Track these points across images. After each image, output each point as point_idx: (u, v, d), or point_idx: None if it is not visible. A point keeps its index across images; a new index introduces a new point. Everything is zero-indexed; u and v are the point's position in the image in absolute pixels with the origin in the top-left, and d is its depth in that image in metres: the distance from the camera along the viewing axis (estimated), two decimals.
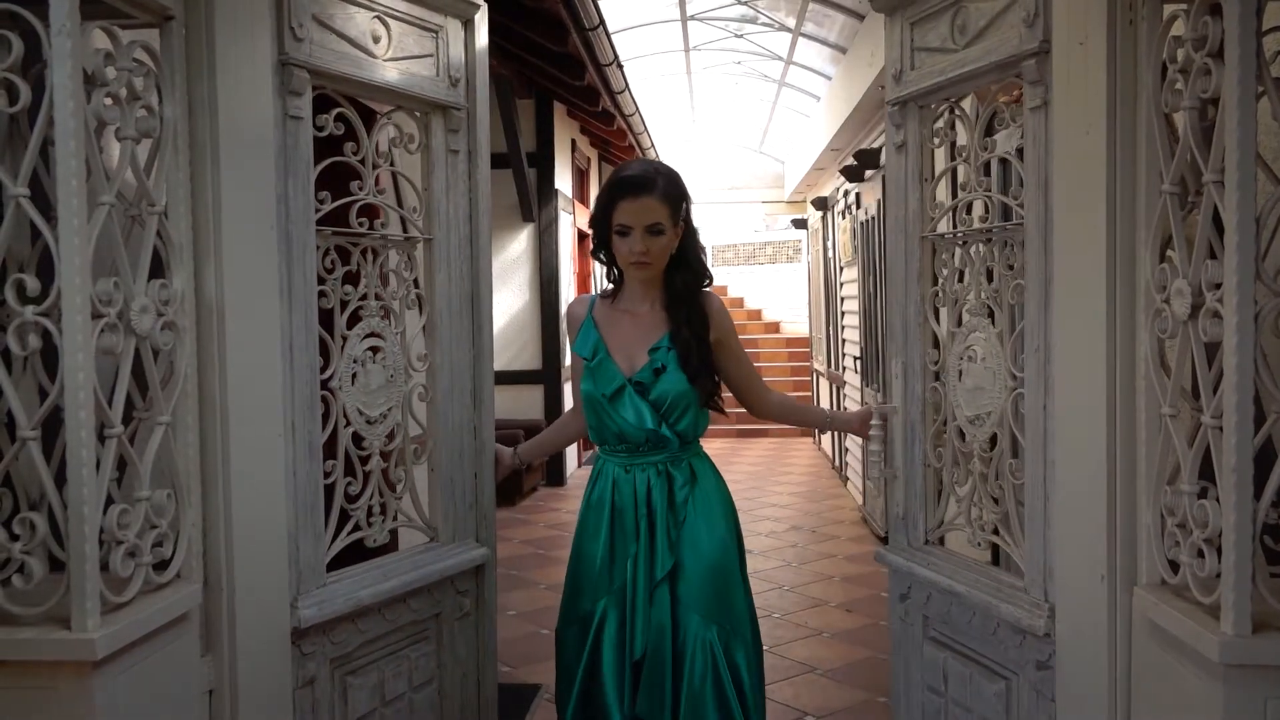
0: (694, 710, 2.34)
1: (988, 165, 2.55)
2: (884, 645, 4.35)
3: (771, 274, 16.82)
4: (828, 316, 9.86)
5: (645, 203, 2.38)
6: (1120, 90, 2.00)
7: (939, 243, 2.62)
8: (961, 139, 2.58)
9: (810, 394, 11.84)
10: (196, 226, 2.00)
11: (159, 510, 1.86)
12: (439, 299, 2.67)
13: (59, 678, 1.67)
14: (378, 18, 2.44)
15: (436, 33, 2.61)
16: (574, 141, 9.74)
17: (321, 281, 2.37)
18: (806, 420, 2.85)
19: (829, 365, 9.80)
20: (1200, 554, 1.78)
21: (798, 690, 3.88)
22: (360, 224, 2.48)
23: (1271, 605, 1.70)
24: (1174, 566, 1.90)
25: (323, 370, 2.35)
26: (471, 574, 2.74)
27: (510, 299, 8.54)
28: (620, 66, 7.36)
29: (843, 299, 8.71)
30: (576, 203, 9.59)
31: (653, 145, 10.74)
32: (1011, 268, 2.39)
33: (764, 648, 2.53)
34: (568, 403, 6.87)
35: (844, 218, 8.34)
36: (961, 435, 2.53)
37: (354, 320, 2.49)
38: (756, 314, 15.74)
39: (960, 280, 2.59)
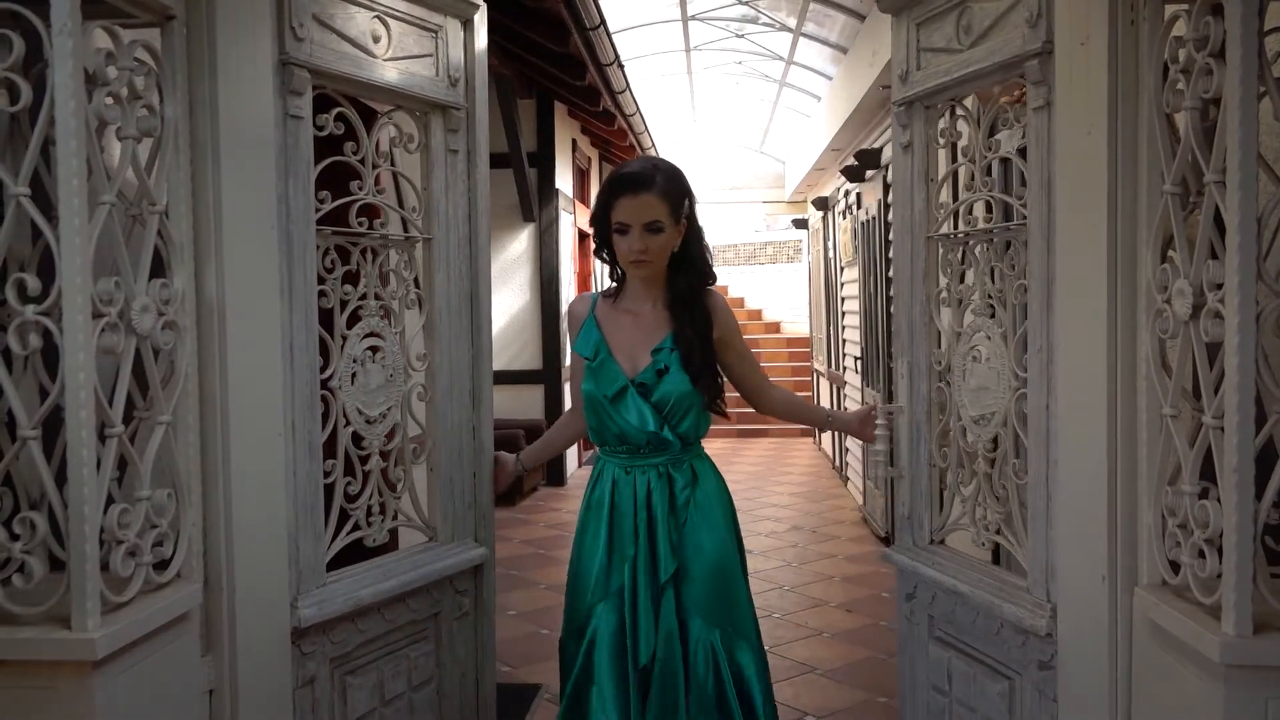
0: (698, 715, 2.33)
1: (989, 166, 2.55)
2: (884, 645, 4.36)
3: (772, 274, 16.83)
4: (828, 316, 9.86)
5: (643, 200, 2.35)
6: (1121, 90, 2.00)
7: (944, 243, 2.62)
8: (965, 140, 2.58)
9: (811, 394, 11.84)
10: (197, 226, 2.00)
11: (159, 510, 1.86)
12: (438, 299, 2.67)
13: (59, 677, 1.67)
14: (378, 17, 2.44)
15: (436, 33, 2.61)
16: (575, 141, 9.74)
17: (321, 281, 2.37)
18: (808, 418, 2.90)
19: (829, 365, 9.80)
20: (1201, 554, 1.77)
21: (798, 690, 3.88)
22: (360, 224, 2.48)
23: (1272, 606, 1.70)
24: (1175, 567, 1.90)
25: (322, 370, 2.35)
26: (470, 574, 2.74)
27: (511, 299, 8.54)
28: (621, 66, 7.35)
29: (843, 299, 8.71)
30: (577, 203, 9.59)
31: (653, 145, 10.74)
32: (1014, 268, 2.39)
33: (764, 648, 2.52)
34: (568, 403, 6.89)
35: (844, 218, 8.34)
36: (965, 435, 2.53)
37: (354, 320, 2.49)
38: (757, 314, 15.74)
39: (961, 280, 2.59)
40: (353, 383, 2.46)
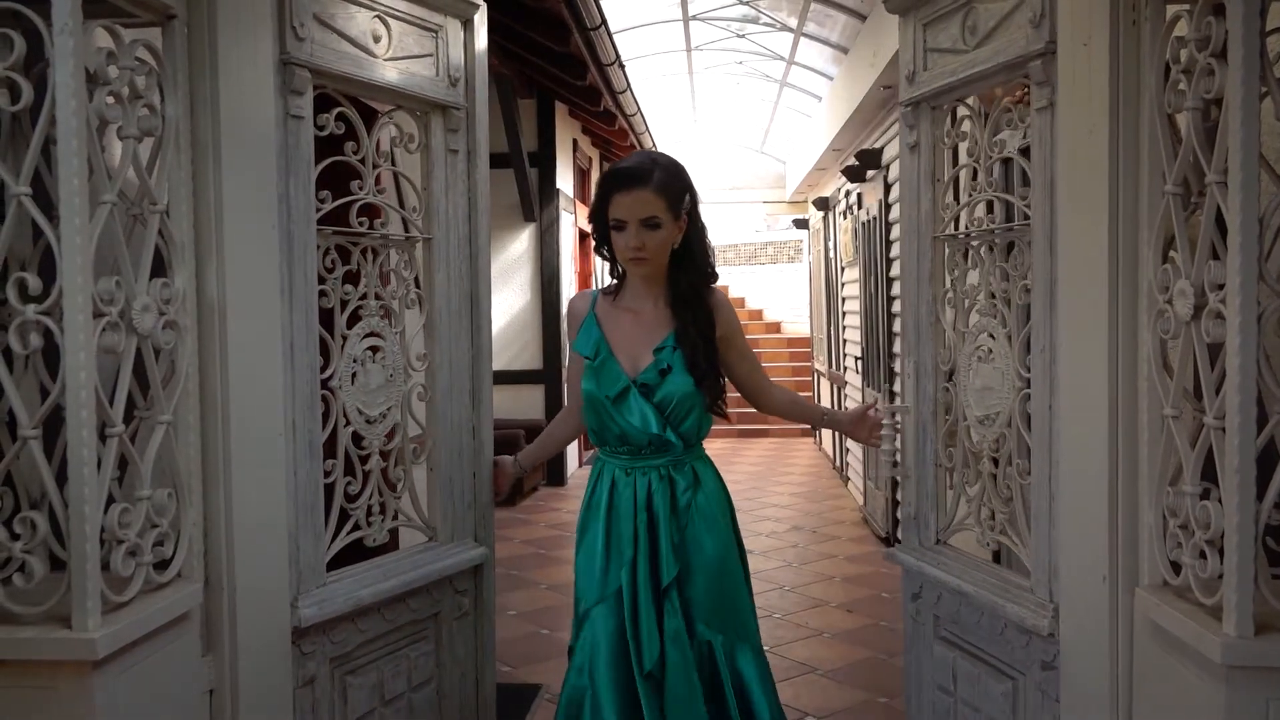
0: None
1: (992, 166, 2.55)
2: (885, 646, 4.36)
3: (773, 274, 16.83)
4: (829, 317, 9.86)
5: (639, 195, 2.30)
6: (1123, 91, 2.00)
7: (950, 243, 2.62)
8: (966, 142, 2.58)
9: (811, 394, 11.84)
10: (198, 225, 2.00)
11: (160, 509, 1.86)
12: (438, 298, 2.67)
13: (59, 677, 1.67)
14: (378, 17, 2.44)
15: (436, 32, 2.61)
16: (575, 141, 9.74)
17: (322, 281, 2.37)
18: (806, 416, 2.86)
19: (830, 365, 9.80)
20: (1202, 555, 1.77)
21: (798, 691, 3.88)
22: (360, 223, 2.48)
23: (1273, 606, 1.70)
24: (1176, 567, 1.89)
25: (323, 369, 2.35)
26: (470, 573, 2.74)
27: (511, 299, 8.54)
28: (622, 66, 7.35)
29: (844, 299, 8.71)
30: (578, 203, 9.59)
31: (654, 145, 10.72)
32: (1018, 268, 2.39)
33: (764, 648, 2.52)
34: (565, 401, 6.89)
35: (845, 218, 8.34)
36: (971, 435, 2.53)
37: (354, 320, 2.49)
38: (758, 314, 15.74)
39: (964, 280, 2.59)
40: (353, 382, 2.46)
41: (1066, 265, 2.16)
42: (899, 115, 2.71)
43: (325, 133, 2.35)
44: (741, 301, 15.82)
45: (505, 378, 7.58)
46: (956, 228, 2.62)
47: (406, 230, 2.67)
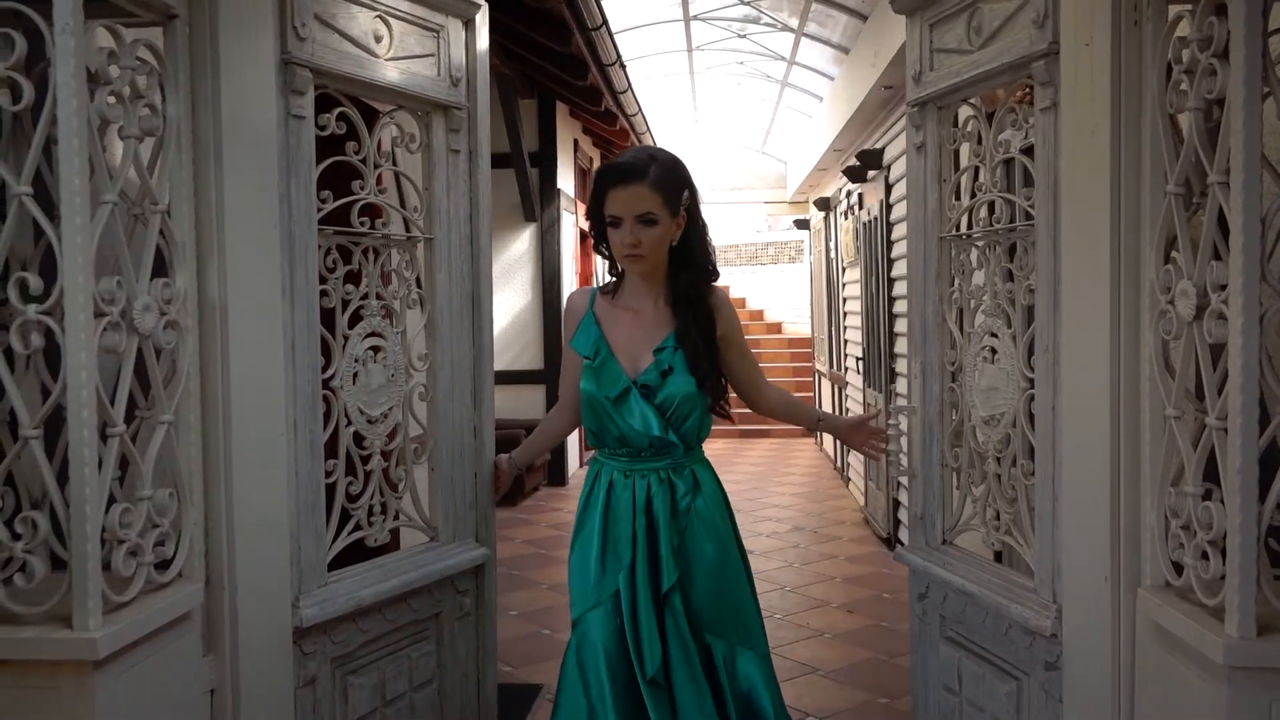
0: None
1: (995, 167, 2.55)
2: (886, 646, 4.36)
3: (774, 274, 16.84)
4: (830, 317, 9.85)
5: (635, 191, 2.26)
6: (1125, 91, 1.99)
7: (956, 243, 2.62)
8: (969, 142, 2.58)
9: (812, 394, 11.83)
10: (199, 225, 2.00)
11: (161, 509, 1.86)
12: (440, 298, 2.67)
13: (60, 677, 1.67)
14: (380, 17, 2.44)
15: (438, 32, 2.61)
16: (576, 141, 9.74)
17: (323, 281, 2.37)
18: (802, 419, 2.77)
19: (831, 366, 9.80)
20: (1204, 556, 1.77)
21: (800, 691, 3.88)
22: (362, 223, 2.48)
23: (1276, 607, 1.70)
24: (1178, 568, 1.89)
25: (324, 369, 2.35)
26: (472, 574, 2.74)
27: (512, 299, 8.54)
28: (623, 66, 7.35)
29: (845, 299, 8.71)
30: (579, 203, 9.59)
31: (656, 145, 10.73)
32: (1023, 268, 2.39)
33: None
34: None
35: (846, 218, 8.34)
36: (976, 435, 2.53)
37: (355, 320, 2.48)
38: (759, 314, 15.74)
39: (969, 280, 2.59)
40: (354, 382, 2.46)
41: (1069, 265, 2.16)
42: (906, 115, 2.71)
43: (326, 133, 2.35)
44: (743, 302, 15.83)
45: (506, 378, 7.57)
46: (960, 228, 2.62)
47: (408, 230, 2.67)
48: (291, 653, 2.23)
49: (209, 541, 2.03)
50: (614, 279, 2.49)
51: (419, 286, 2.67)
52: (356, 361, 2.47)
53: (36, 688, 1.67)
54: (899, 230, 5.94)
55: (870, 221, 6.95)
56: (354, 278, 2.48)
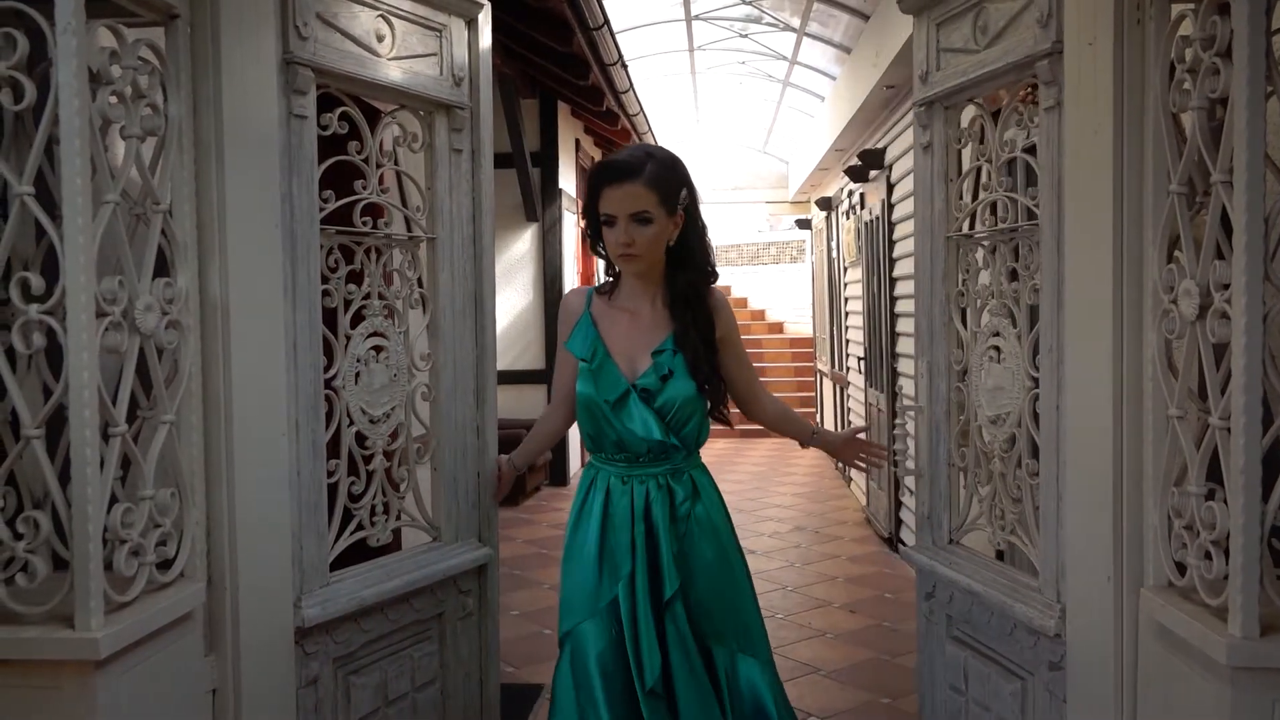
0: None
1: (996, 167, 2.55)
2: (888, 646, 4.36)
3: (775, 274, 16.82)
4: (831, 317, 9.85)
5: (629, 189, 2.20)
6: (1128, 90, 1.99)
7: (963, 242, 2.62)
8: (972, 143, 2.57)
9: (814, 394, 11.83)
10: (201, 225, 2.00)
11: (163, 509, 1.86)
12: (442, 298, 2.67)
13: (62, 677, 1.67)
14: (382, 16, 2.44)
15: (440, 32, 2.61)
16: (578, 141, 9.73)
17: (325, 280, 2.37)
18: (796, 431, 2.66)
19: (833, 366, 9.79)
20: (1207, 556, 1.77)
21: (801, 691, 3.87)
22: (364, 223, 2.48)
23: (1279, 607, 1.69)
24: (1181, 568, 1.89)
25: (326, 369, 2.35)
26: (474, 574, 2.74)
27: (514, 299, 8.54)
28: (625, 66, 7.34)
29: (847, 299, 8.70)
30: (580, 202, 9.59)
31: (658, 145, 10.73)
32: (1029, 268, 2.39)
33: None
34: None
35: (848, 218, 8.33)
36: (983, 435, 2.53)
37: (357, 319, 2.48)
38: (760, 314, 15.73)
39: (975, 280, 2.58)
40: (356, 382, 2.46)
41: (1072, 265, 2.16)
42: (913, 115, 2.70)
43: (329, 132, 2.35)
44: (744, 302, 15.82)
45: (507, 378, 7.57)
46: (967, 227, 2.61)
47: (410, 230, 2.67)
48: (293, 653, 2.23)
49: (211, 541, 2.03)
50: (610, 279, 2.45)
51: (421, 286, 2.67)
52: (359, 361, 2.46)
53: (38, 687, 1.67)
54: (901, 230, 5.93)
55: (872, 221, 6.94)
56: (356, 277, 2.48)
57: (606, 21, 6.25)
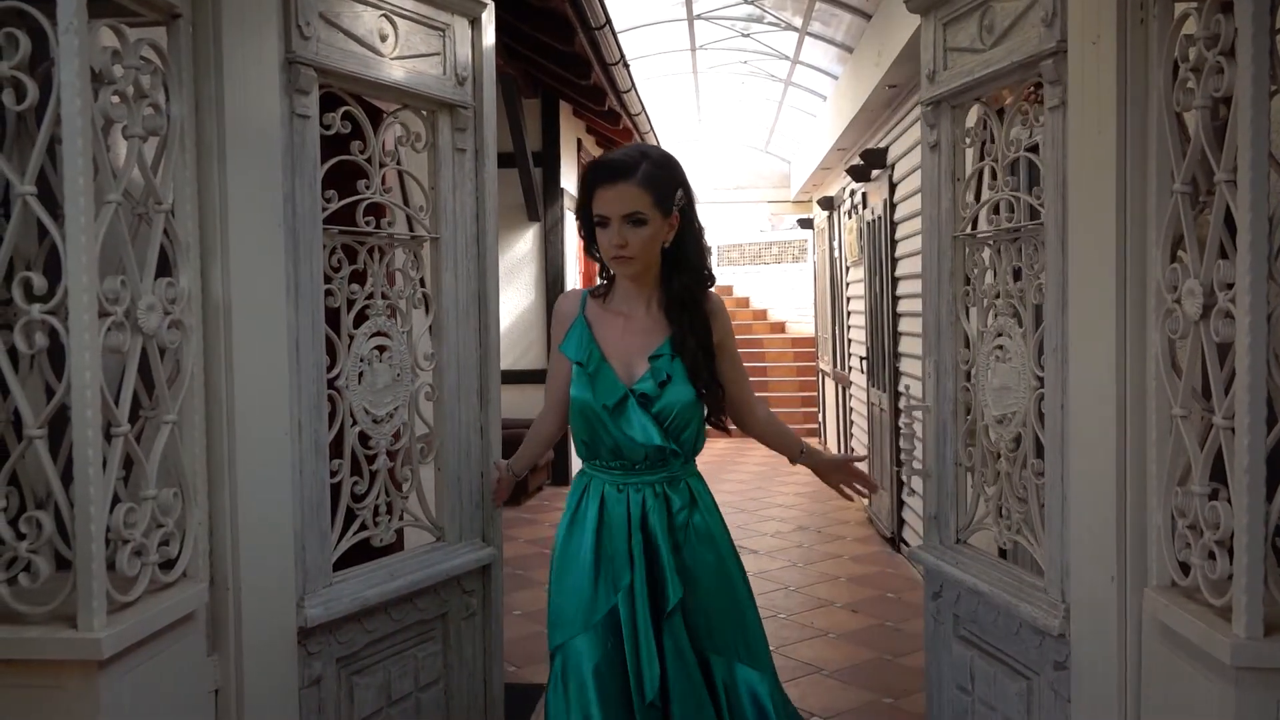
0: None
1: (998, 167, 2.54)
2: (890, 646, 4.36)
3: (777, 274, 16.80)
4: (833, 316, 9.84)
5: (622, 190, 2.15)
6: (1131, 89, 1.99)
7: (969, 242, 2.62)
8: (977, 142, 2.57)
9: (815, 394, 11.82)
10: (203, 225, 2.00)
11: (165, 509, 1.86)
12: (446, 298, 2.67)
13: (64, 677, 1.67)
14: (385, 16, 2.44)
15: (444, 31, 2.60)
16: (580, 141, 9.73)
17: (328, 280, 2.37)
18: (785, 446, 2.55)
19: (835, 365, 9.78)
20: (1211, 556, 1.76)
21: (803, 691, 3.87)
22: (367, 223, 2.47)
23: None
24: (1185, 568, 1.89)
25: (329, 369, 2.35)
26: (478, 574, 2.74)
27: (515, 298, 8.54)
28: (626, 66, 7.34)
29: (849, 299, 8.69)
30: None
31: (658, 144, 10.73)
32: (1034, 267, 2.39)
33: (769, 650, 2.48)
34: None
35: (850, 218, 8.32)
36: (989, 434, 2.53)
37: (360, 319, 2.48)
38: (762, 314, 15.72)
39: (982, 279, 2.58)
40: (359, 382, 2.46)
41: (1076, 264, 2.15)
42: (920, 114, 2.70)
43: (331, 132, 2.35)
44: (746, 301, 15.81)
45: (509, 377, 7.50)
46: (973, 227, 2.61)
47: (413, 229, 2.67)
48: (296, 653, 2.23)
49: (213, 541, 2.03)
50: (605, 281, 2.39)
51: (424, 286, 2.67)
52: (362, 361, 2.46)
53: (41, 687, 1.67)
54: (903, 229, 5.93)
55: (874, 221, 6.93)
56: (359, 277, 2.48)
57: (608, 21, 6.25)
